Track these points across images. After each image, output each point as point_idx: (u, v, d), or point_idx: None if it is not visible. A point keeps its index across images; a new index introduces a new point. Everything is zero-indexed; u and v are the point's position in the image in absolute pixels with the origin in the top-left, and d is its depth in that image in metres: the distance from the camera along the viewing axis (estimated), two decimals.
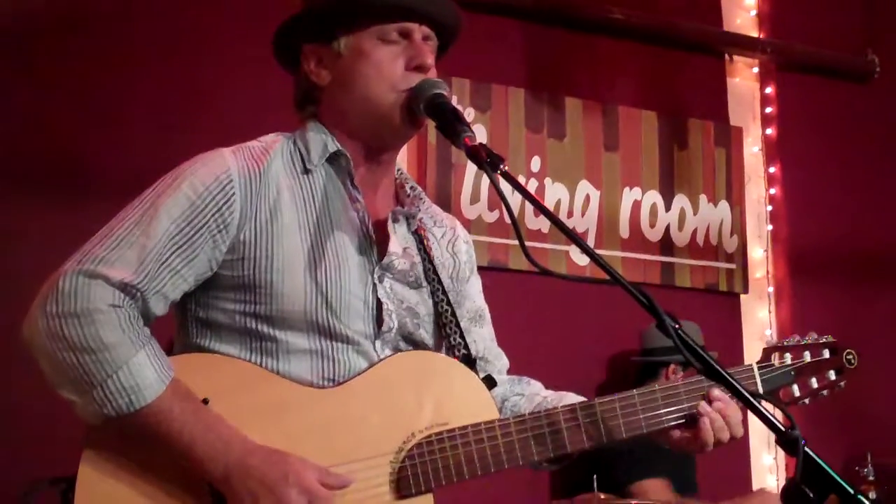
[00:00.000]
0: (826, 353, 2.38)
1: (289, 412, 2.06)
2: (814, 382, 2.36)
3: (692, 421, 2.22)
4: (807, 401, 2.36)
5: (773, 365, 2.34)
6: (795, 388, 2.35)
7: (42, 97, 4.19)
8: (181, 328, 2.18)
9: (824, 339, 2.40)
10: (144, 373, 1.97)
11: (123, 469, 2.00)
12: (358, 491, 2.04)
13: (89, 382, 1.96)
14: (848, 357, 2.38)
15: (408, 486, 2.09)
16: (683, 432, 2.24)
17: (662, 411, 2.22)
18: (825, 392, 2.37)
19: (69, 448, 2.05)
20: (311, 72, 2.27)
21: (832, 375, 2.38)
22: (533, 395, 2.38)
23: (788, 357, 2.36)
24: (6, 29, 4.18)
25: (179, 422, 1.98)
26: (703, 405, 2.21)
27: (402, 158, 2.44)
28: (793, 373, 2.35)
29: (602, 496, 3.72)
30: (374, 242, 2.22)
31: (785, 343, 2.38)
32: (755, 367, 2.34)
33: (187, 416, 1.98)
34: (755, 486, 5.40)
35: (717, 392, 2.22)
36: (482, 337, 2.45)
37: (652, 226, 5.46)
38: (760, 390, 2.31)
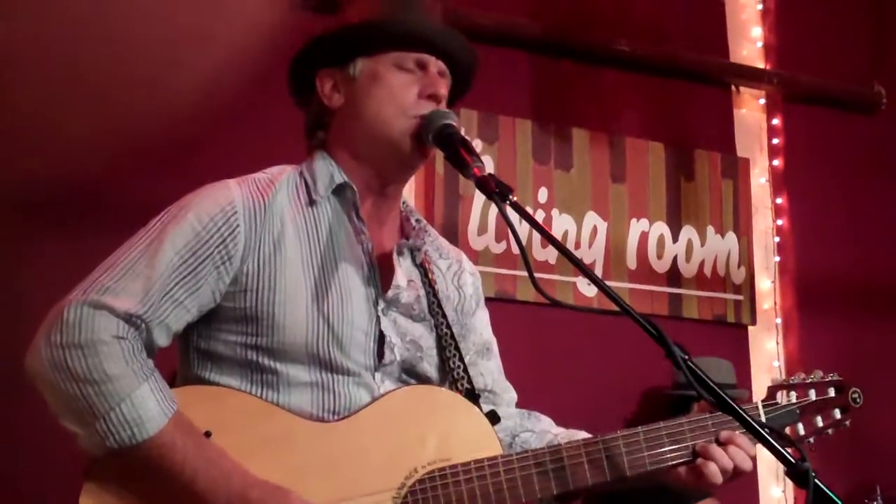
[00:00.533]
0: (832, 392, 2.36)
1: (291, 446, 2.06)
2: (819, 421, 2.34)
3: (698, 459, 2.20)
4: (811, 440, 2.34)
5: (777, 403, 2.32)
6: (800, 426, 2.33)
7: (46, 121, 4.19)
8: (183, 359, 2.18)
9: (830, 378, 2.38)
10: (147, 405, 1.97)
11: (125, 502, 1.99)
12: None
13: (92, 414, 1.95)
14: (853, 396, 2.36)
15: None
16: (689, 471, 2.21)
17: (667, 448, 2.20)
18: (830, 431, 2.35)
19: (69, 479, 2.04)
20: (324, 95, 2.28)
21: (837, 414, 2.36)
22: (543, 432, 2.36)
23: (794, 395, 2.34)
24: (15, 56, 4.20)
25: (181, 455, 1.97)
26: (712, 446, 2.19)
27: (410, 189, 2.45)
28: (798, 411, 2.33)
29: None
30: (379, 275, 2.22)
31: (790, 381, 2.36)
32: (760, 405, 2.31)
33: (189, 449, 1.98)
34: None
35: (725, 434, 2.20)
36: (489, 370, 2.43)
37: (659, 257, 5.45)
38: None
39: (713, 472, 2.17)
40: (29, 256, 4.06)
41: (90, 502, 1.99)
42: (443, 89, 2.24)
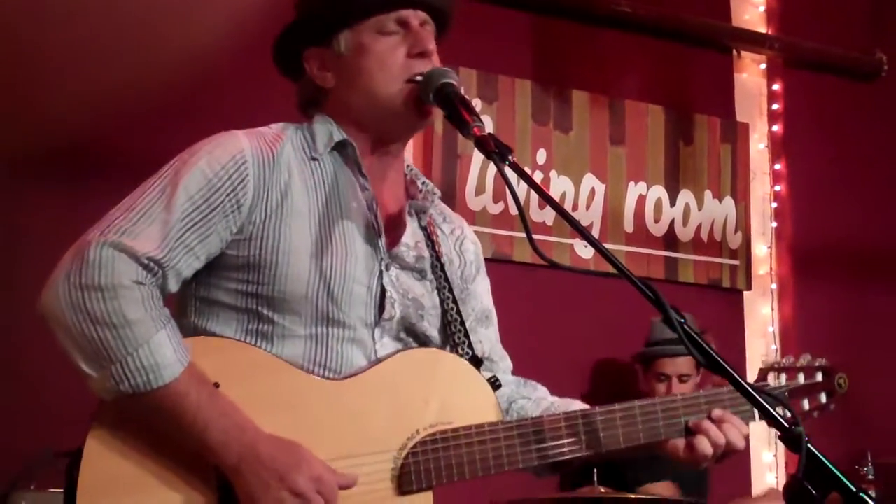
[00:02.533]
0: (819, 377, 2.41)
1: (296, 403, 2.06)
2: (805, 404, 2.39)
3: (691, 434, 2.23)
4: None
5: (768, 385, 2.38)
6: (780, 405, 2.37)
7: (42, 85, 4.18)
8: (180, 308, 2.18)
9: (818, 363, 2.42)
10: (164, 352, 1.96)
11: (131, 448, 1.99)
12: (361, 485, 2.04)
13: (108, 358, 1.94)
14: (839, 381, 2.41)
15: (409, 482, 2.09)
16: (683, 445, 2.24)
17: (661, 423, 2.23)
18: (815, 414, 2.40)
19: (74, 423, 2.03)
20: (315, 76, 2.26)
21: (823, 398, 2.41)
22: (539, 399, 2.37)
23: (783, 378, 2.39)
24: (8, 21, 4.17)
25: (195, 405, 1.97)
26: (705, 421, 2.22)
27: (408, 148, 2.44)
28: (786, 394, 2.37)
29: (602, 489, 3.73)
30: (383, 231, 2.22)
31: (781, 364, 2.42)
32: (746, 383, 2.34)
33: (202, 399, 1.97)
34: (755, 484, 5.41)
35: (717, 412, 2.23)
36: (488, 337, 2.44)
37: (656, 220, 5.45)
38: (755, 410, 2.32)
39: (705, 446, 2.20)
40: (26, 214, 4.06)
41: (96, 446, 1.98)
42: (430, 43, 2.22)
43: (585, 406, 2.27)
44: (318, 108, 2.29)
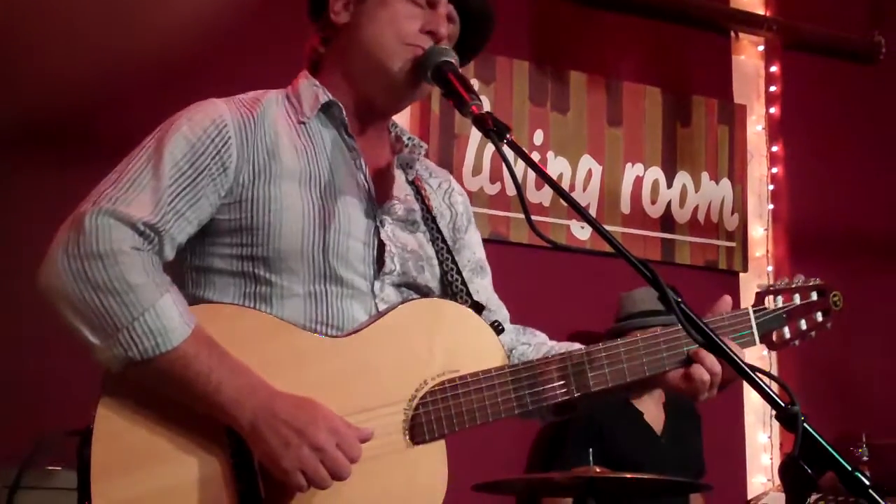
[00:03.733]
0: (814, 296, 2.44)
1: (303, 362, 2.07)
2: (803, 324, 2.42)
3: (689, 363, 2.26)
4: (797, 342, 2.43)
5: (766, 308, 2.40)
6: (786, 330, 2.41)
7: (36, 63, 4.17)
8: (176, 280, 2.17)
9: (812, 282, 2.46)
10: (171, 314, 1.96)
11: (140, 421, 1.99)
12: (374, 438, 2.05)
13: (114, 325, 1.94)
14: (834, 299, 2.45)
15: (421, 432, 2.11)
16: (680, 374, 2.27)
17: (665, 354, 2.25)
18: (813, 333, 2.44)
19: (83, 402, 2.03)
20: (333, 10, 2.29)
21: (819, 317, 2.44)
22: (540, 344, 2.40)
23: (780, 300, 2.41)
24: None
25: (206, 366, 1.97)
26: (701, 350, 2.19)
27: (405, 127, 2.46)
28: (784, 315, 2.40)
29: (598, 469, 3.73)
30: (374, 188, 2.24)
31: (776, 286, 2.44)
32: (751, 311, 2.38)
33: (213, 360, 1.98)
34: (750, 465, 5.42)
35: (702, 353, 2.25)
36: (484, 287, 2.47)
37: (653, 202, 5.45)
38: (756, 333, 2.35)
39: (701, 373, 2.23)
40: (18, 189, 4.06)
41: (106, 422, 1.98)
42: (443, 28, 2.24)
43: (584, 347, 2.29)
44: (323, 46, 2.32)
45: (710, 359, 2.22)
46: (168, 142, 2.09)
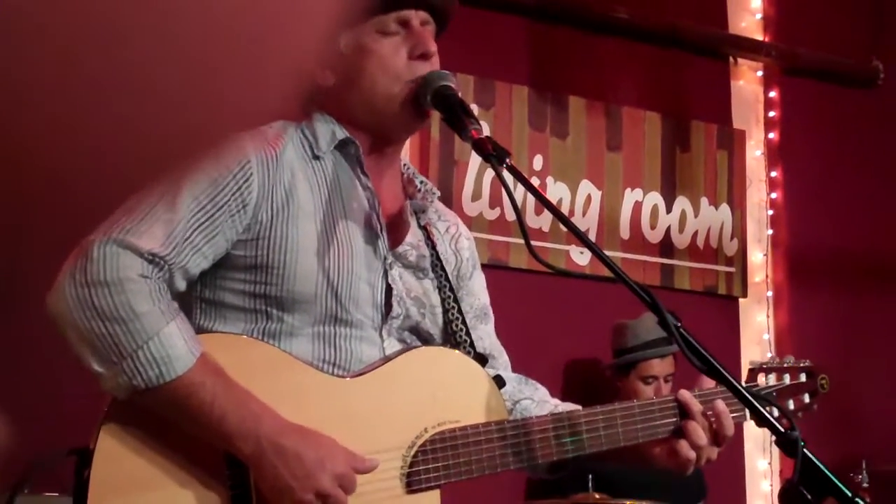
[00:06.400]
0: (803, 377, 2.47)
1: (307, 400, 2.06)
2: (790, 404, 2.45)
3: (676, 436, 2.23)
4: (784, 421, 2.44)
5: (758, 385, 2.43)
6: (774, 409, 2.40)
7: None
8: (184, 311, 2.17)
9: (802, 364, 2.48)
10: (175, 343, 1.95)
11: (143, 446, 1.98)
12: (370, 483, 2.04)
13: (119, 353, 1.93)
14: (822, 382, 2.47)
15: (418, 481, 2.10)
16: (666, 451, 2.25)
17: (659, 422, 2.23)
18: (800, 414, 2.46)
19: (83, 420, 2.02)
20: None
21: (807, 398, 2.47)
22: (542, 401, 2.37)
23: (772, 378, 2.45)
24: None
25: (210, 395, 1.95)
26: (690, 422, 2.21)
27: (405, 153, 2.46)
28: (774, 394, 2.42)
29: (597, 496, 3.72)
30: (384, 229, 2.23)
31: (769, 364, 2.48)
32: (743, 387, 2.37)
33: (218, 389, 1.96)
34: (750, 491, 5.41)
35: (719, 405, 2.24)
36: (487, 334, 2.45)
37: (652, 227, 5.46)
38: (747, 409, 2.33)
39: (687, 451, 2.19)
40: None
41: (108, 444, 1.97)
42: (431, 45, 2.21)
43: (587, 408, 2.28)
44: (316, 105, 2.28)
45: (698, 433, 2.19)
46: (189, 176, 2.08)
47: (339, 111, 2.25)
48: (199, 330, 2.12)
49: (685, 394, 2.22)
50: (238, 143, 2.14)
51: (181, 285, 2.07)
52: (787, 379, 2.45)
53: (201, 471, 2.00)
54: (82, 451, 1.97)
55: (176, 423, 1.98)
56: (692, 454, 2.20)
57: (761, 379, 2.43)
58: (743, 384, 2.34)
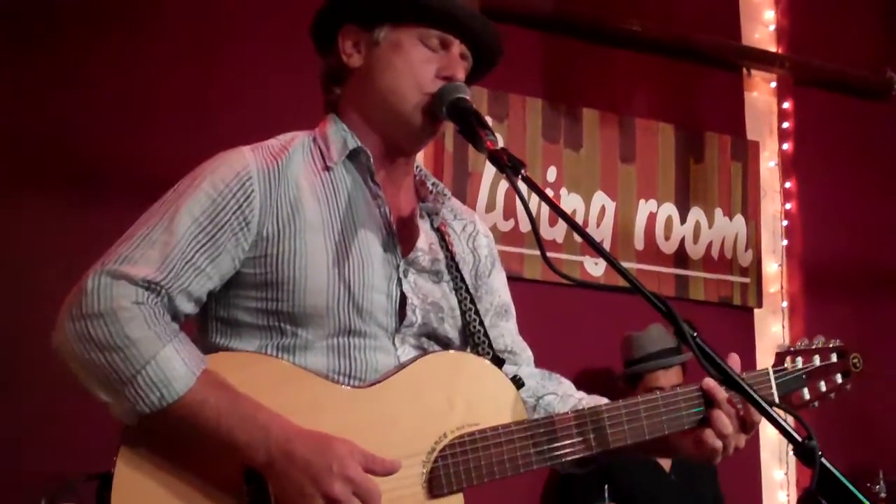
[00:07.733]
0: (834, 357, 2.44)
1: (322, 412, 2.06)
2: (822, 386, 2.42)
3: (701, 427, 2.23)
4: (816, 403, 2.42)
5: (786, 369, 2.39)
6: (805, 391, 2.40)
7: (62, 97, 4.21)
8: (201, 328, 2.19)
9: (832, 344, 2.46)
10: (173, 365, 1.97)
11: (160, 465, 1.99)
12: (392, 490, 2.04)
13: (119, 381, 1.95)
14: (854, 361, 2.44)
15: (440, 485, 2.10)
16: (691, 441, 2.25)
17: (684, 413, 2.23)
18: (833, 395, 2.43)
19: (103, 444, 2.04)
20: (345, 52, 2.28)
21: (839, 379, 2.44)
22: (566, 395, 2.38)
23: (800, 361, 2.41)
24: (29, 27, 4.20)
25: (215, 412, 1.96)
26: (715, 410, 2.21)
27: (419, 164, 2.46)
28: (804, 376, 2.40)
29: None
30: (397, 237, 2.23)
31: (796, 347, 2.44)
32: (771, 371, 2.37)
33: (223, 404, 1.97)
34: (766, 502, 5.38)
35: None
36: (508, 330, 2.46)
37: (667, 238, 5.45)
38: (776, 394, 2.34)
39: (713, 440, 2.20)
40: (39, 230, 4.08)
41: (126, 468, 1.98)
42: (461, 73, 2.25)
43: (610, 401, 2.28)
44: (338, 86, 2.31)
45: (723, 420, 2.20)
46: (189, 196, 2.09)
47: (355, 102, 2.27)
48: (216, 348, 2.13)
49: (710, 381, 2.21)
50: (239, 158, 2.14)
51: (186, 307, 2.08)
52: (816, 360, 2.41)
53: (219, 488, 2.01)
54: (104, 476, 1.99)
55: (190, 441, 1.99)
56: (718, 443, 2.21)
57: (789, 363, 2.39)
58: (770, 368, 2.36)
